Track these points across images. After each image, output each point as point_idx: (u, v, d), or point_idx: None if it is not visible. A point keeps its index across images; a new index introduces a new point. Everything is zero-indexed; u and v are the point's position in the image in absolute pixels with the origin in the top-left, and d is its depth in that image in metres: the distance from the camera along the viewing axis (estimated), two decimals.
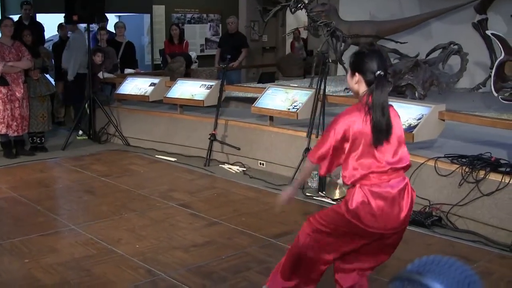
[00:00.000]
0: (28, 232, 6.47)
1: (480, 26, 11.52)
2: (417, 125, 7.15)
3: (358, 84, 3.93)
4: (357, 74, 3.91)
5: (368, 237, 3.98)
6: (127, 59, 13.18)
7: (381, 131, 3.80)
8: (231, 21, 13.50)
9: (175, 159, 9.81)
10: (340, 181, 7.52)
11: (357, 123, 3.83)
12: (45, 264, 5.60)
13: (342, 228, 4.00)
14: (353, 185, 3.96)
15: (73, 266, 5.58)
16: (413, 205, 4.07)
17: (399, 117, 4.08)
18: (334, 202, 7.35)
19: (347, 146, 3.90)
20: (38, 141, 10.54)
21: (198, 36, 16.75)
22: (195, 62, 13.66)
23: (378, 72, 3.80)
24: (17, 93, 9.90)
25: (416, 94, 9.28)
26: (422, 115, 7.23)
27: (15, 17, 12.39)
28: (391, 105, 3.95)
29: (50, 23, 13.44)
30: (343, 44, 11.14)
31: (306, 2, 11.10)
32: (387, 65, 3.85)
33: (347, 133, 3.86)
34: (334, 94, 9.71)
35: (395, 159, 3.91)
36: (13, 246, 6.09)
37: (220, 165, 9.30)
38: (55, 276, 5.35)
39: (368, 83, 3.86)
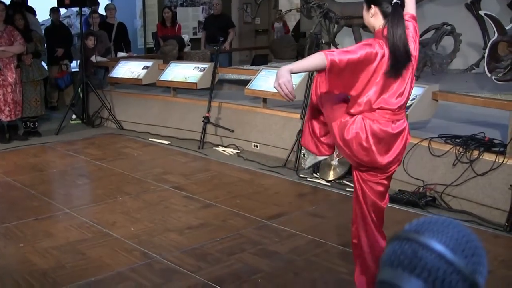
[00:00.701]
0: (23, 217, 6.47)
1: (473, 7, 11.49)
2: (410, 105, 7.14)
3: (374, 17, 3.83)
4: (373, 6, 3.81)
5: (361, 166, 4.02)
6: (119, 40, 13.15)
7: (400, 62, 3.70)
8: (216, 2, 13.48)
9: (169, 142, 9.81)
10: (334, 162, 7.55)
11: (379, 54, 3.68)
12: (40, 248, 5.60)
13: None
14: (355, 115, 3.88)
15: (68, 249, 5.58)
16: (405, 148, 4.04)
17: (415, 41, 3.90)
18: (329, 184, 7.37)
19: (365, 71, 3.72)
20: (31, 126, 10.52)
21: (190, 19, 16.68)
22: (188, 45, 13.63)
23: (395, 0, 3.69)
24: (9, 78, 9.86)
25: None
26: (416, 96, 7.24)
27: (7, 1, 12.34)
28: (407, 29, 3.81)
29: (42, 7, 13.38)
30: (336, 25, 11.12)
31: None
32: None
33: (370, 57, 3.68)
34: None
35: (404, 98, 3.85)
36: (8, 231, 6.09)
37: (214, 148, 9.30)
38: (51, 260, 5.36)
39: (385, 15, 3.76)
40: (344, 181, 7.39)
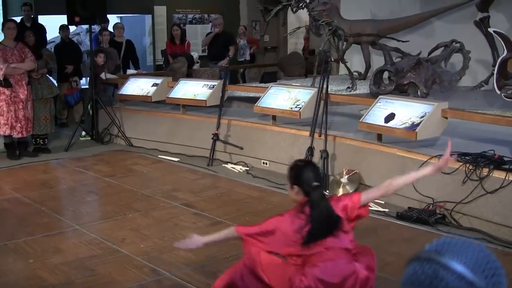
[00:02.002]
0: (32, 232, 6.49)
1: (482, 24, 11.51)
2: (420, 123, 7.16)
3: (297, 195, 4.08)
4: (295, 186, 4.09)
5: None
6: (128, 58, 13.22)
7: (325, 230, 3.98)
8: (217, 22, 13.59)
9: (178, 159, 9.82)
10: (344, 179, 7.54)
11: (291, 226, 4.02)
12: (49, 264, 5.62)
13: None
14: None
15: (77, 265, 5.59)
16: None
17: (343, 200, 4.16)
18: None
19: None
20: (41, 143, 10.56)
21: (199, 36, 16.71)
22: (197, 62, 13.65)
23: (314, 183, 4.01)
24: (20, 95, 9.91)
25: (419, 93, 9.26)
26: (425, 113, 7.24)
27: (17, 19, 12.41)
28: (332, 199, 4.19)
29: (52, 24, 13.44)
30: (344, 43, 11.15)
31: (308, 1, 11.10)
32: (321, 175, 4.17)
33: (278, 230, 4.08)
34: (336, 93, 9.70)
35: (344, 241, 4.06)
36: (18, 246, 6.11)
37: (223, 165, 9.30)
38: (60, 276, 5.37)
39: (306, 194, 4.02)
40: None
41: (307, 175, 4.05)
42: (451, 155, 4.40)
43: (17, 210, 7.44)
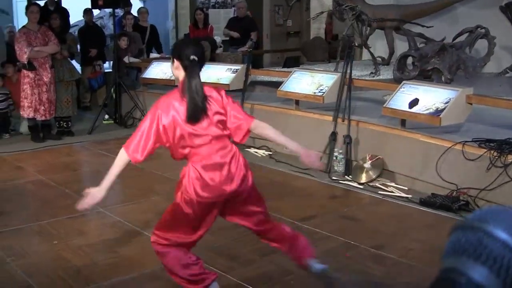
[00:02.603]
0: (56, 215, 6.56)
1: (508, 10, 11.39)
2: (444, 108, 7.11)
3: (177, 69, 4.18)
4: (175, 60, 4.18)
5: (213, 207, 4.34)
6: (152, 42, 13.24)
7: (197, 110, 4.09)
8: (241, 5, 13.45)
9: None
10: (367, 165, 7.53)
11: (176, 105, 4.11)
12: (73, 246, 5.67)
13: (186, 215, 4.36)
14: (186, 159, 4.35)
15: (101, 247, 5.65)
16: (247, 167, 4.40)
17: (217, 91, 4.33)
18: (361, 186, 7.34)
19: (170, 128, 4.16)
20: (65, 126, 10.64)
21: (222, 20, 16.68)
22: (220, 46, 13.66)
23: (192, 57, 4.07)
24: (44, 78, 9.98)
25: (443, 78, 9.21)
26: (450, 99, 7.19)
27: (41, 3, 12.47)
28: (211, 87, 4.33)
29: (75, 8, 13.49)
30: (368, 28, 11.09)
31: None
32: (202, 52, 4.24)
33: (166, 116, 4.12)
34: (360, 78, 9.66)
35: (215, 129, 4.19)
36: (42, 228, 6.17)
37: (246, 149, 9.27)
38: (84, 257, 5.42)
39: (185, 68, 4.11)
40: (377, 184, 7.36)
41: (187, 49, 4.14)
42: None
43: (41, 192, 7.52)
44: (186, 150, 4.25)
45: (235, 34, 13.01)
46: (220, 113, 4.24)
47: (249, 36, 13.14)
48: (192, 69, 4.09)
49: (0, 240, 5.87)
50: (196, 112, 4.10)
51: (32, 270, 5.18)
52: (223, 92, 4.36)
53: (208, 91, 4.21)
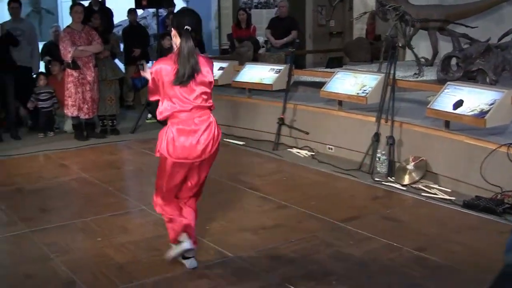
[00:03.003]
0: (100, 212, 6.61)
1: None
2: (489, 110, 7.03)
3: (175, 37, 4.81)
4: (173, 29, 4.82)
5: (183, 166, 4.91)
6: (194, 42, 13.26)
7: (185, 73, 4.66)
8: (282, 4, 13.38)
9: (243, 142, 9.88)
10: (410, 166, 7.47)
11: (169, 67, 4.72)
12: (116, 243, 5.71)
13: (166, 167, 4.92)
14: (165, 122, 4.93)
15: (144, 245, 5.68)
16: (218, 139, 5.05)
17: (210, 67, 4.91)
18: (404, 188, 7.30)
19: (161, 85, 4.78)
20: (110, 124, 10.76)
21: (265, 20, 16.66)
22: (263, 46, 13.66)
23: (186, 27, 4.68)
24: (88, 77, 10.10)
25: (487, 80, 9.09)
26: (495, 100, 7.11)
27: (85, 3, 12.60)
28: (203, 56, 4.94)
29: (119, 8, 13.60)
30: (411, 28, 11.00)
31: None
32: (196, 22, 4.88)
33: (160, 74, 4.74)
34: (403, 79, 9.59)
35: (199, 100, 4.81)
36: (86, 225, 6.23)
37: (288, 149, 9.30)
38: (127, 254, 5.45)
39: (180, 36, 4.74)
40: (420, 186, 7.30)
41: (182, 20, 4.77)
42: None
43: (85, 190, 7.59)
44: (168, 112, 4.81)
45: (276, 42, 12.94)
46: (205, 85, 4.84)
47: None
48: (186, 37, 4.67)
49: (44, 237, 5.93)
50: (183, 75, 4.68)
51: (76, 266, 5.23)
52: (212, 66, 4.98)
53: (202, 63, 4.80)
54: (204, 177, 5.27)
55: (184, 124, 4.80)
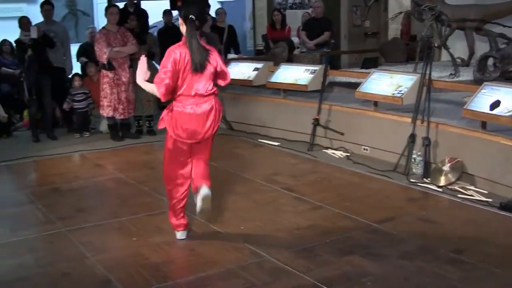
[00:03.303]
0: (135, 212, 6.66)
1: None
2: None
3: (182, 26, 5.33)
4: (180, 19, 5.36)
5: (185, 145, 5.54)
6: (230, 43, 13.30)
7: (198, 63, 5.23)
8: (317, 5, 13.31)
9: (278, 143, 9.86)
10: (446, 167, 7.42)
11: (181, 55, 5.22)
12: (152, 243, 5.75)
13: (172, 146, 5.61)
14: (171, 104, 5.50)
15: (179, 245, 5.72)
16: (218, 122, 5.58)
17: (215, 55, 5.48)
18: (440, 189, 7.24)
19: (175, 72, 5.25)
20: (147, 124, 10.81)
21: (299, 21, 16.64)
22: (298, 47, 13.63)
23: (190, 16, 5.23)
24: (123, 78, 10.18)
25: None
26: None
27: (121, 5, 12.68)
28: (208, 45, 5.46)
29: (154, 10, 13.66)
30: (447, 28, 10.91)
31: None
32: (200, 12, 5.44)
33: (175, 62, 5.22)
34: (439, 79, 9.51)
35: (204, 87, 5.35)
36: (121, 225, 6.28)
37: (323, 150, 9.28)
38: (162, 254, 5.49)
39: (186, 24, 5.28)
40: (456, 187, 7.25)
41: (187, 10, 5.29)
42: None
43: (121, 190, 7.66)
44: (175, 94, 5.34)
45: (308, 43, 12.90)
46: (211, 73, 5.39)
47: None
48: (191, 25, 5.23)
49: (80, 236, 5.98)
50: (198, 64, 5.23)
51: (112, 265, 5.27)
52: (217, 54, 5.55)
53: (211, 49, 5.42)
54: (208, 155, 5.81)
55: (189, 107, 5.37)
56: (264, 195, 7.21)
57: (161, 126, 5.66)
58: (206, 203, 5.53)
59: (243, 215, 6.46)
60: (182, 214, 5.80)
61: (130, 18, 10.82)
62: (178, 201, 5.73)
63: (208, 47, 5.40)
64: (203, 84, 5.35)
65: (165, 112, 5.59)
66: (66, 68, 11.74)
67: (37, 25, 10.59)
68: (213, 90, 5.43)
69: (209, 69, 5.37)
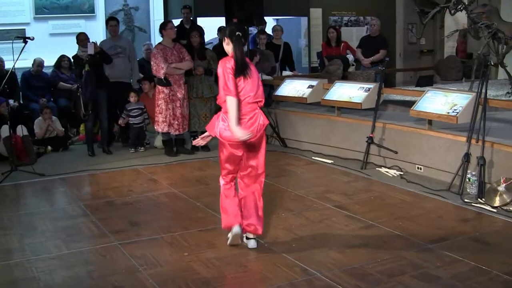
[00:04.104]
0: (188, 227, 6.70)
1: None
2: None
3: (228, 45, 5.79)
4: (226, 38, 5.80)
5: (236, 147, 5.87)
6: (285, 60, 13.33)
7: (243, 70, 5.69)
8: (374, 23, 13.27)
9: (332, 161, 9.84)
10: (501, 188, 7.32)
11: (231, 65, 5.66)
12: (203, 258, 5.76)
13: (224, 150, 5.96)
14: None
15: (230, 261, 5.71)
16: (264, 126, 6.00)
17: (257, 73, 5.94)
18: (494, 210, 7.14)
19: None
20: None
21: (355, 38, 16.63)
22: (353, 65, 13.60)
23: (237, 33, 5.71)
24: (178, 94, 10.28)
25: None
26: None
27: (177, 21, 12.81)
28: (252, 64, 5.90)
29: (209, 26, 13.75)
30: (505, 46, 10.79)
31: (466, 3, 10.83)
32: (245, 31, 5.90)
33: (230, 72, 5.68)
34: (495, 98, 9.40)
35: (251, 96, 5.78)
36: (174, 239, 6.31)
37: (377, 168, 9.23)
38: (213, 269, 5.49)
39: (233, 42, 5.72)
40: (511, 208, 7.14)
41: (233, 30, 5.75)
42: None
43: (174, 205, 7.71)
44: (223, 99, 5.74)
45: (364, 61, 12.89)
46: (255, 86, 5.81)
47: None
48: (238, 42, 5.68)
49: (133, 249, 6.04)
50: (240, 69, 5.65)
51: (163, 279, 5.31)
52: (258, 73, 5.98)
53: (253, 69, 5.83)
54: (262, 159, 6.11)
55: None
56: (316, 212, 7.17)
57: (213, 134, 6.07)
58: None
59: (294, 233, 6.44)
60: None
61: (193, 34, 10.89)
62: None
63: (253, 68, 5.89)
64: (247, 95, 5.82)
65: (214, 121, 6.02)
66: (133, 83, 11.88)
67: (94, 42, 10.74)
68: (257, 99, 5.91)
69: (251, 81, 5.82)
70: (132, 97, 11.12)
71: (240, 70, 5.67)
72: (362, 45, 13.28)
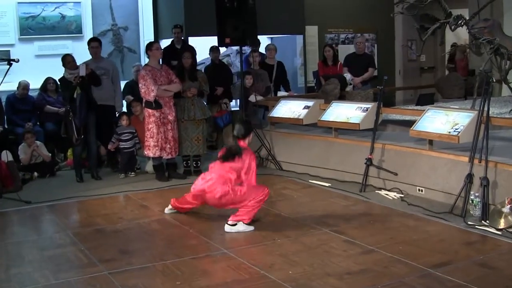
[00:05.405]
0: (181, 254, 6.53)
1: None
2: None
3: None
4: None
5: None
6: (279, 80, 13.18)
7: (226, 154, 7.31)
8: (360, 40, 13.22)
9: (330, 184, 9.65)
10: (505, 209, 7.10)
11: None
12: (196, 286, 5.61)
13: None
14: None
15: None
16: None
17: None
18: (499, 232, 6.93)
19: None
20: (194, 165, 10.68)
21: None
22: (350, 84, 13.42)
23: (234, 133, 7.33)
24: (169, 116, 10.09)
25: None
26: None
27: (168, 41, 12.65)
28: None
29: (201, 46, 13.58)
30: (508, 62, 10.60)
31: (467, 18, 10.67)
32: (242, 131, 7.48)
33: None
34: (498, 116, 9.22)
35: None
36: (166, 268, 6.14)
37: (376, 191, 9.05)
38: None
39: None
40: None
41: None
42: None
43: (166, 232, 7.52)
44: None
45: (357, 81, 12.78)
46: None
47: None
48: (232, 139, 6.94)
49: (124, 279, 5.86)
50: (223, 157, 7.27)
51: None
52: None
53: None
54: None
55: None
56: (314, 238, 6.98)
57: None
58: None
59: (291, 259, 6.25)
60: None
61: (185, 55, 10.70)
62: None
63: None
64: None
65: None
66: (116, 105, 11.65)
67: (85, 62, 10.53)
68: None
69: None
70: (124, 120, 10.88)
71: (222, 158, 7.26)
72: (348, 64, 13.15)
